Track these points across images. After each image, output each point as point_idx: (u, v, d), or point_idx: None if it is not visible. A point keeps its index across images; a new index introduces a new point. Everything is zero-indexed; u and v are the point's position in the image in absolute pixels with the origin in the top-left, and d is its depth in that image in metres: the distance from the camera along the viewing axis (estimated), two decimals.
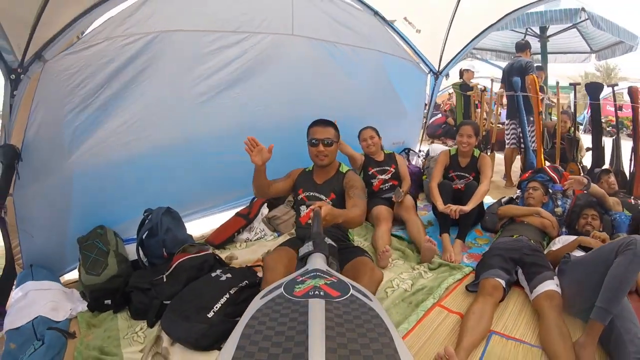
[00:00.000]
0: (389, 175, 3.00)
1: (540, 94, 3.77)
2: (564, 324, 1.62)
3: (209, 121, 2.44)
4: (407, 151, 4.38)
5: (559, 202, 2.94)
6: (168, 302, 1.69)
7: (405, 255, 2.43)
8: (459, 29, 3.73)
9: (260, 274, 1.92)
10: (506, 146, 4.29)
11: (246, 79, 2.50)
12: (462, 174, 2.87)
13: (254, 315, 0.71)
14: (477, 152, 2.88)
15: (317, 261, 1.02)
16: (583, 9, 4.63)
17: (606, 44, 6.29)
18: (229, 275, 1.81)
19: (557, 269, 1.96)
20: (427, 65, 4.19)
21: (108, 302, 1.81)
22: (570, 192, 3.05)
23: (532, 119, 3.84)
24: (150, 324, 1.67)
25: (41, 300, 1.68)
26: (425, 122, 5.12)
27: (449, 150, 2.99)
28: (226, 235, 2.53)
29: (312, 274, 0.88)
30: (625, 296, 1.54)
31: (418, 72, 4.22)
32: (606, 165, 3.79)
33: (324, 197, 2.03)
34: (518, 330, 1.72)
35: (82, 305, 1.82)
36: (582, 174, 3.41)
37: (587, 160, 4.09)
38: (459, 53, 4.05)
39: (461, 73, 5.82)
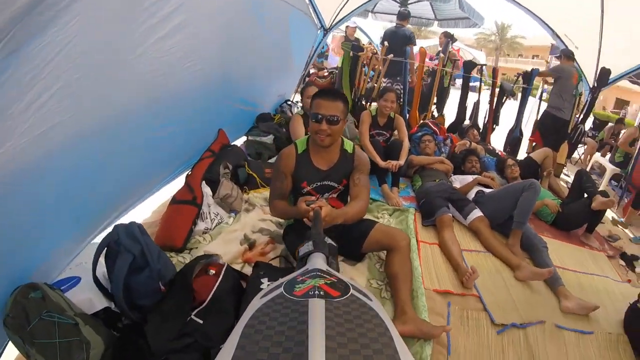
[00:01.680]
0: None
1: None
2: (495, 235, 2.45)
3: (142, 86, 1.75)
4: (288, 103, 4.46)
5: (443, 150, 3.70)
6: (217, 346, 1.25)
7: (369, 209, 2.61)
8: None
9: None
10: None
11: (181, 28, 1.90)
12: (381, 131, 3.24)
13: (254, 315, 0.71)
14: (392, 114, 3.24)
15: (317, 261, 1.02)
16: None
17: (451, 16, 7.58)
18: (266, 280, 1.50)
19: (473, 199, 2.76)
20: (319, 20, 4.20)
21: None
22: (448, 141, 3.88)
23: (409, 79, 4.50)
24: None
25: None
26: (304, 75, 5.24)
27: (370, 110, 3.25)
28: (185, 232, 1.92)
29: (312, 273, 0.87)
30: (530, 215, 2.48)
31: (312, 27, 4.21)
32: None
33: (335, 185, 1.82)
34: (471, 245, 2.40)
35: None
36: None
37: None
38: (352, 12, 4.21)
39: (351, 30, 6.02)
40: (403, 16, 4.68)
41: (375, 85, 4.58)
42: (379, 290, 1.78)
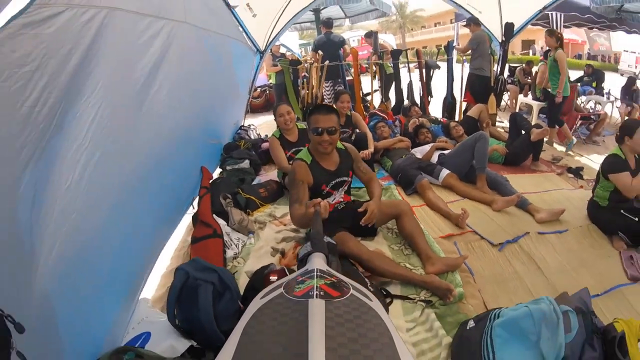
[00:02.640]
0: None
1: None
2: (465, 184, 2.95)
3: (149, 127, 1.91)
4: (243, 128, 4.68)
5: (396, 131, 4.16)
6: None
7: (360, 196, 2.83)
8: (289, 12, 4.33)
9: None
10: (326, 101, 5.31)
11: (166, 70, 2.05)
12: (344, 129, 3.58)
13: (254, 315, 0.71)
14: (349, 112, 3.62)
15: (317, 261, 1.02)
16: None
17: (360, 11, 8.11)
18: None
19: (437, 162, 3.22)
20: (254, 45, 4.50)
21: None
22: (397, 122, 4.36)
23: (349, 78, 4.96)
24: None
25: None
26: (249, 98, 5.51)
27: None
28: (221, 263, 2.07)
29: (312, 274, 0.87)
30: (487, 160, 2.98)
31: (250, 53, 4.49)
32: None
33: (346, 178, 2.14)
34: (450, 197, 2.86)
35: None
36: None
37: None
38: (281, 30, 4.57)
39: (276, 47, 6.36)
40: (329, 24, 5.14)
41: (319, 91, 4.97)
42: (401, 250, 2.13)
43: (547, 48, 4.66)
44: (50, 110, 1.10)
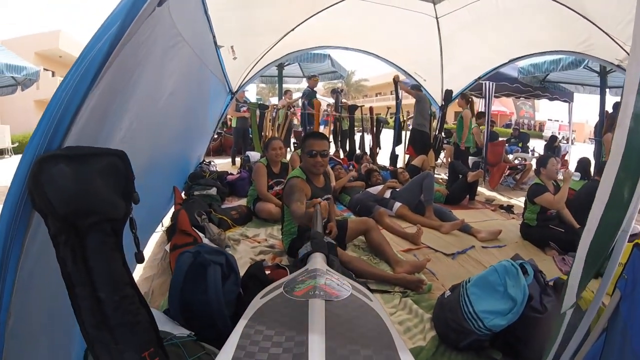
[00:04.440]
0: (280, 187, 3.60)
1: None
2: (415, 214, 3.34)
3: (159, 132, 2.13)
4: (205, 163, 4.81)
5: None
6: None
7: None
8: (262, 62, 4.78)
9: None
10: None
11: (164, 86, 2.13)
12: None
13: (254, 315, 0.71)
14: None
15: (317, 261, 1.03)
16: None
17: (318, 72, 8.78)
18: None
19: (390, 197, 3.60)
20: (228, 85, 4.82)
21: None
22: (351, 167, 4.87)
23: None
24: None
25: None
26: (212, 137, 5.74)
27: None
28: None
29: (312, 273, 0.87)
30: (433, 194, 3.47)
31: (224, 92, 4.77)
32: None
33: (330, 195, 2.42)
34: (403, 225, 3.13)
35: None
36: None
37: None
38: (253, 76, 4.99)
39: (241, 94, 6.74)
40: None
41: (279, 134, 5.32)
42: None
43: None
44: None
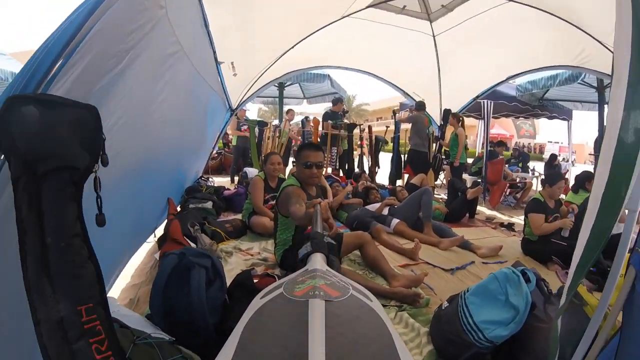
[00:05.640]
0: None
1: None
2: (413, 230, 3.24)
3: (153, 140, 2.11)
4: (203, 178, 4.82)
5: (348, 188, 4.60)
6: None
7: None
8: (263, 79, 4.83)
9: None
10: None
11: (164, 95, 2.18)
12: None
13: (254, 315, 0.71)
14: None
15: (317, 261, 1.02)
16: None
17: (319, 93, 9.06)
18: None
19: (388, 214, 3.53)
20: (227, 101, 4.85)
21: None
22: (349, 185, 4.83)
23: None
24: None
25: None
26: (212, 153, 5.73)
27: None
28: None
29: (312, 274, 0.87)
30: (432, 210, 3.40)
31: (223, 108, 4.80)
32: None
33: None
34: (401, 242, 3.02)
35: None
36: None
37: None
38: (253, 94, 5.04)
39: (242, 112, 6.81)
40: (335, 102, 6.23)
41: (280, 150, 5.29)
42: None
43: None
44: None
